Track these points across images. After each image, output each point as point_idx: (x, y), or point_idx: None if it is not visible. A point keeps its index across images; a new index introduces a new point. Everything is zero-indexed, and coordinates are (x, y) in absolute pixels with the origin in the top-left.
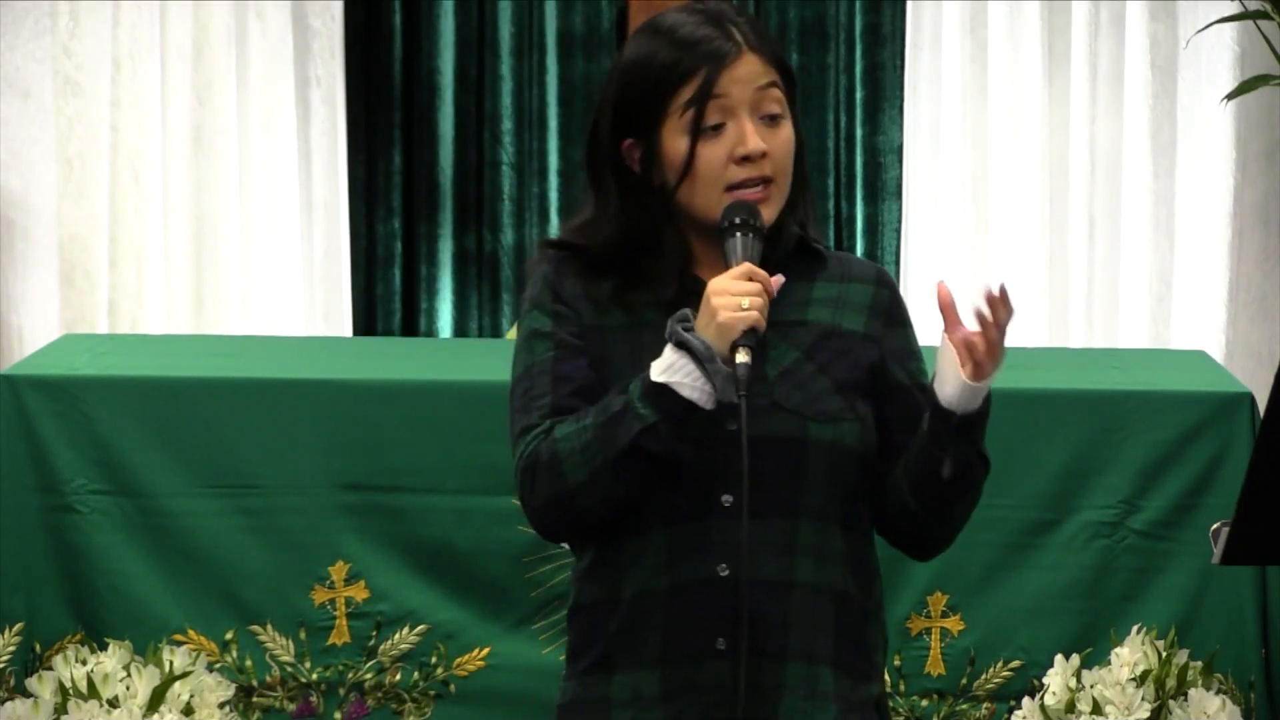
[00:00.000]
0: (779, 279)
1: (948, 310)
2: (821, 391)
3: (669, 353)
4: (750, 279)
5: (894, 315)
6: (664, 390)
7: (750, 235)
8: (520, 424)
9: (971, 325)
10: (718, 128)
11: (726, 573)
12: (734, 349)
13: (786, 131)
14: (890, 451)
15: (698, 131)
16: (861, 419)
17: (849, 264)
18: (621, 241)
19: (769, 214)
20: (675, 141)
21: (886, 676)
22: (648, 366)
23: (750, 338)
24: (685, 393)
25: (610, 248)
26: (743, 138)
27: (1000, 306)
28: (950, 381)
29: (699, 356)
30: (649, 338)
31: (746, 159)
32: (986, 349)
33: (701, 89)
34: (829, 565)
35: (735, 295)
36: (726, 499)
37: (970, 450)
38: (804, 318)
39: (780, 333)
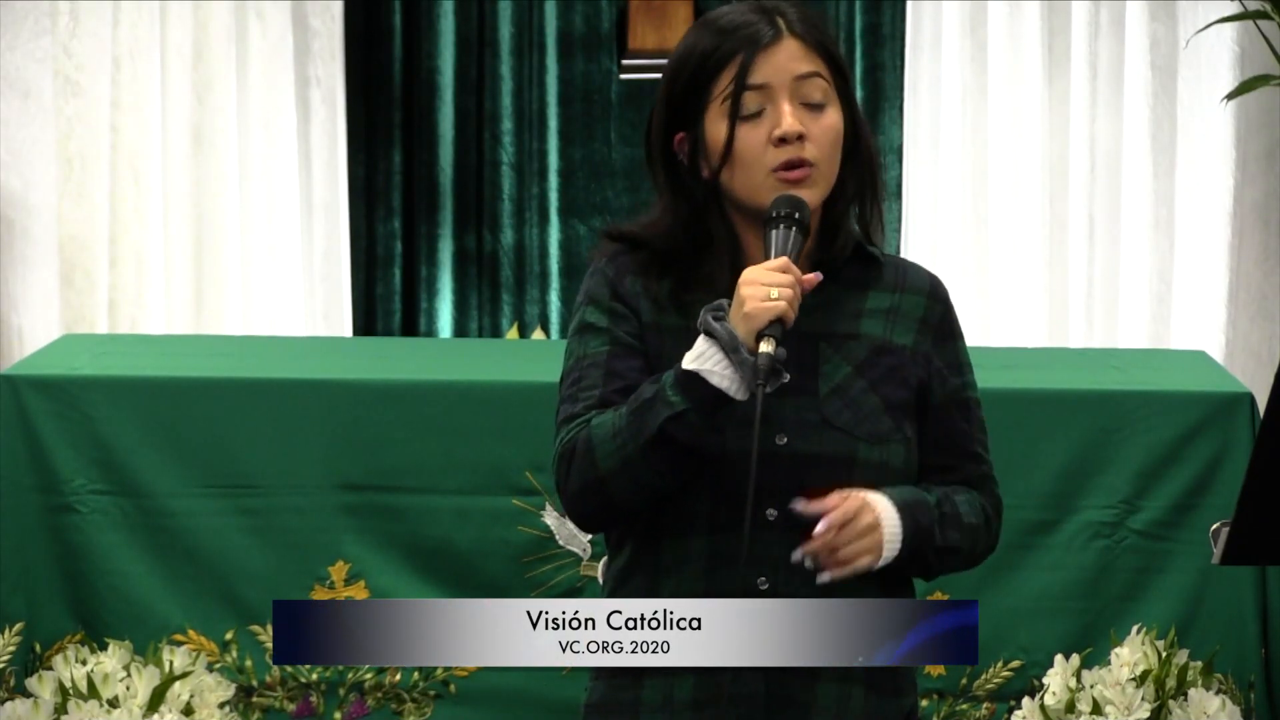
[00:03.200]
0: (815, 276)
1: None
2: (871, 410)
3: (700, 341)
4: (784, 271)
5: (943, 330)
6: (694, 378)
7: (791, 229)
8: (565, 413)
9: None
10: (758, 113)
11: (766, 586)
12: (759, 339)
13: (830, 119)
14: (921, 472)
15: (735, 114)
16: (908, 439)
17: (905, 272)
18: (676, 238)
19: (812, 197)
20: (717, 127)
21: None
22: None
23: (777, 328)
24: (714, 381)
25: (667, 245)
26: (779, 119)
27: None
28: None
29: (723, 345)
30: None
31: (784, 140)
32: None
33: (739, 73)
34: (866, 584)
35: (765, 285)
36: (771, 513)
37: (919, 565)
38: (856, 331)
39: (834, 346)
